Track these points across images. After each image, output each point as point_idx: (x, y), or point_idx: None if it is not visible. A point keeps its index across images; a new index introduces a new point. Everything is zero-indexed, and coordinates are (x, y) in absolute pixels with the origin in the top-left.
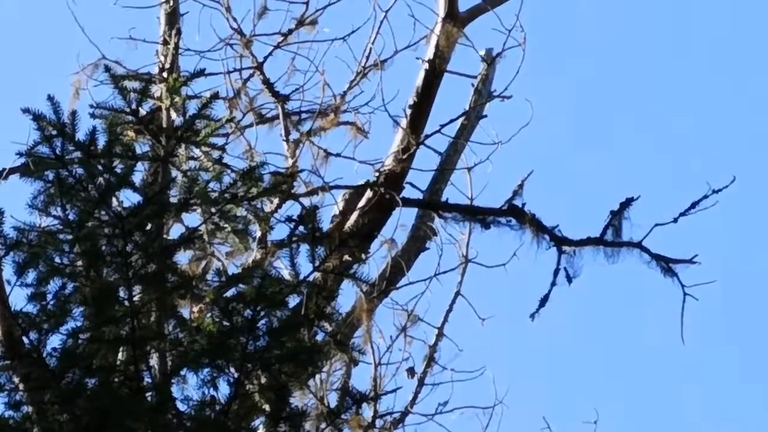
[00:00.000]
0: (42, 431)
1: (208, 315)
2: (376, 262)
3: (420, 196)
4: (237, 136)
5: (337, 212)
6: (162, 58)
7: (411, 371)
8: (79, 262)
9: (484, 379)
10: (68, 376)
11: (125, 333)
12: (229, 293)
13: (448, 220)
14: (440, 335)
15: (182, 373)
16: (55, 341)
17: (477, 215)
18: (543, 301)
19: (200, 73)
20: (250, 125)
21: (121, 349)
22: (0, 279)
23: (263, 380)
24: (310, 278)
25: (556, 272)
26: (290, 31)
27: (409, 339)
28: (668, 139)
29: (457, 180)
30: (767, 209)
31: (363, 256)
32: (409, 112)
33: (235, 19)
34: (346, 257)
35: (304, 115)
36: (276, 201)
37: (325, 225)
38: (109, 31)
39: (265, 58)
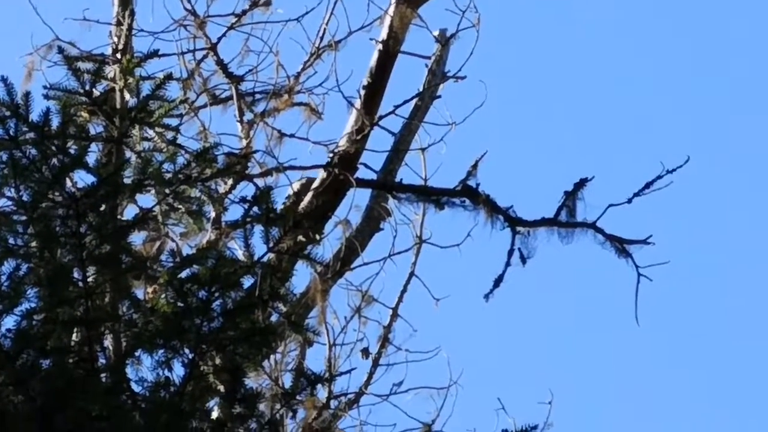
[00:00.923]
0: None
1: (163, 296)
2: (330, 243)
3: (374, 176)
4: (191, 117)
5: (291, 193)
6: (115, 39)
7: (365, 352)
8: (33, 243)
9: (438, 359)
10: (22, 357)
11: (79, 314)
12: (184, 274)
13: (402, 201)
14: (395, 316)
15: (137, 354)
16: (9, 322)
17: (431, 196)
18: (497, 282)
19: (154, 54)
20: (204, 106)
21: (75, 330)
22: None
23: (218, 361)
24: (265, 259)
25: (510, 253)
26: (244, 12)
27: (363, 319)
28: (621, 118)
29: (412, 161)
30: (721, 189)
31: (317, 236)
32: (363, 92)
33: (189, 0)
34: (301, 238)
35: (258, 96)
36: (230, 182)
37: (279, 206)
38: (62, 12)
39: (219, 39)
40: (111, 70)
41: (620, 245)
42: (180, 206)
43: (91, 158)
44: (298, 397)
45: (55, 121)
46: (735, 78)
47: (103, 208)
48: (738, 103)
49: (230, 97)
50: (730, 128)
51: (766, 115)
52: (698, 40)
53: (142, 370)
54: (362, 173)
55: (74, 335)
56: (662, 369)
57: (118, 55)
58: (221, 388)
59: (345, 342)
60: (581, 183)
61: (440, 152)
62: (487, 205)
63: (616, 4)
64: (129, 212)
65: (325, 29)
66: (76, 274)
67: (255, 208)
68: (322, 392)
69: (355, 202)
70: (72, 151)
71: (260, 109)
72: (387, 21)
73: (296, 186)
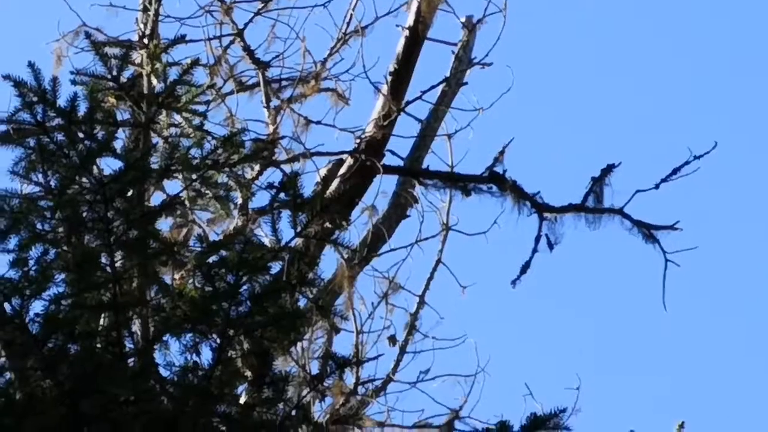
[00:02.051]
0: (25, 397)
1: (190, 281)
2: (357, 229)
3: (401, 163)
4: (218, 103)
5: (319, 179)
6: (142, 25)
7: (392, 339)
8: (61, 229)
9: (465, 346)
10: (51, 341)
11: (107, 299)
12: (211, 259)
13: (428, 188)
14: (421, 303)
15: (164, 338)
16: (37, 307)
17: (458, 182)
18: (524, 268)
19: (181, 39)
20: (231, 92)
21: (103, 315)
22: None
23: (246, 346)
24: (292, 244)
25: (537, 239)
26: None
27: (390, 306)
28: (650, 103)
29: (438, 147)
30: (748, 175)
31: (344, 222)
32: (389, 79)
33: None
34: (328, 224)
35: (284, 82)
36: (257, 168)
37: (307, 191)
38: None
39: (246, 24)
40: (138, 56)
41: (647, 231)
42: (207, 192)
43: (118, 144)
44: (326, 382)
45: (82, 107)
46: (765, 64)
47: (130, 193)
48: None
49: (257, 84)
50: (759, 115)
51: None
52: (730, 27)
53: (170, 354)
54: (389, 159)
55: (102, 320)
56: (688, 354)
57: (145, 41)
58: (249, 372)
59: (372, 329)
60: (608, 169)
61: (467, 138)
62: (514, 192)
63: None
64: (156, 198)
65: (351, 15)
66: (103, 259)
67: (282, 194)
68: (349, 378)
69: (381, 189)
70: (99, 137)
71: (287, 95)
72: (414, 6)
73: (323, 172)
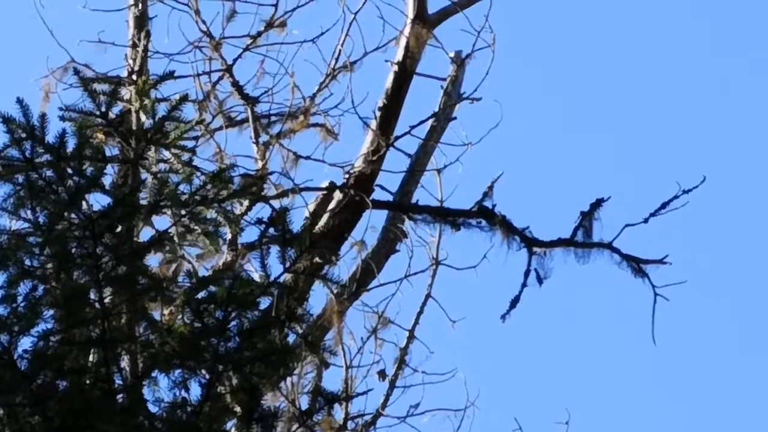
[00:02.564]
0: None
1: (179, 317)
2: (346, 264)
3: (390, 198)
4: (207, 138)
5: (308, 214)
6: (131, 61)
7: (382, 373)
8: (50, 265)
9: (455, 381)
10: (39, 377)
11: (96, 335)
12: (200, 295)
13: (418, 222)
14: (411, 337)
15: (153, 374)
16: (26, 343)
17: (447, 217)
18: (514, 303)
19: (169, 75)
20: (220, 128)
21: (92, 351)
22: None
23: (235, 382)
24: (281, 279)
25: (526, 273)
26: (259, 34)
27: (379, 341)
28: (638, 139)
29: (428, 182)
30: (737, 209)
31: (333, 258)
32: (378, 114)
33: (204, 22)
34: (317, 259)
35: (273, 118)
36: (246, 203)
37: (296, 227)
38: (78, 34)
39: (235, 60)
40: (127, 92)
41: (637, 265)
42: (196, 227)
43: (107, 180)
44: (315, 418)
45: (71, 143)
46: (752, 95)
47: (119, 229)
48: (755, 122)
49: (246, 119)
50: (747, 148)
51: None
52: (717, 60)
53: (159, 390)
54: (378, 194)
55: (91, 356)
56: (680, 388)
57: (134, 77)
58: (238, 408)
59: (361, 364)
60: (597, 203)
61: (456, 173)
62: (504, 226)
63: (634, 28)
64: (145, 234)
65: (340, 50)
66: (92, 295)
67: (271, 229)
68: (339, 413)
69: (371, 224)
70: (88, 173)
71: (276, 130)
72: (402, 42)
73: (312, 207)
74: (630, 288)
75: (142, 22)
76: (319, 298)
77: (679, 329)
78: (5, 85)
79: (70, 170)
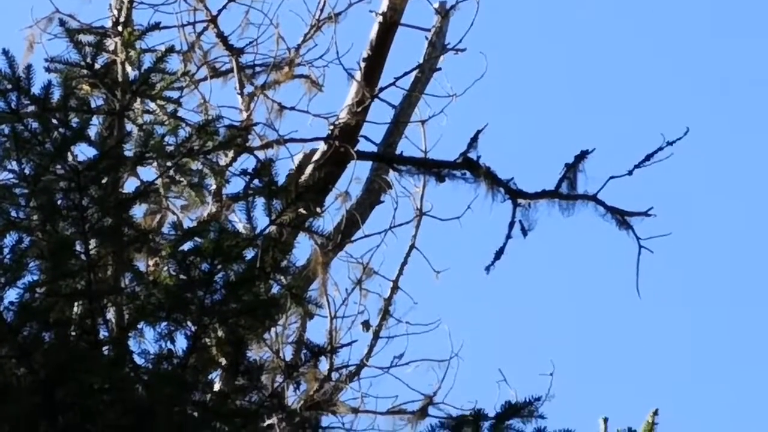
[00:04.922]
0: None
1: (165, 269)
2: (331, 216)
3: (375, 149)
4: (191, 90)
5: (293, 165)
6: (116, 12)
7: (366, 324)
8: (35, 216)
9: (439, 332)
10: (25, 330)
11: (81, 287)
12: (186, 247)
13: (402, 173)
14: (395, 288)
15: (139, 326)
16: (11, 295)
17: (432, 168)
18: (498, 254)
19: (155, 26)
20: (204, 79)
21: (77, 303)
22: None
23: (220, 334)
24: (266, 231)
25: (511, 225)
26: None
27: (364, 292)
28: (622, 90)
29: (412, 133)
30: (722, 160)
31: (318, 209)
32: (363, 65)
33: None
34: (302, 210)
35: (258, 69)
36: (231, 154)
37: (281, 178)
38: None
39: (219, 11)
40: (112, 43)
41: (621, 217)
42: (181, 179)
43: (92, 131)
44: (300, 369)
45: (56, 94)
46: (735, 45)
47: (104, 181)
48: (740, 73)
49: (230, 70)
50: (731, 98)
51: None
52: (701, 9)
53: (145, 342)
54: (363, 146)
55: (76, 308)
56: (663, 340)
57: (119, 28)
58: (223, 360)
59: (346, 315)
60: (582, 155)
61: (441, 124)
62: (488, 178)
63: None
64: (130, 185)
65: (325, 1)
66: (78, 247)
67: (256, 181)
68: (323, 364)
69: (355, 175)
70: (74, 124)
71: (260, 81)
72: None
73: (297, 158)
74: (615, 239)
75: None
76: (303, 250)
77: (664, 281)
78: None
79: (55, 121)
